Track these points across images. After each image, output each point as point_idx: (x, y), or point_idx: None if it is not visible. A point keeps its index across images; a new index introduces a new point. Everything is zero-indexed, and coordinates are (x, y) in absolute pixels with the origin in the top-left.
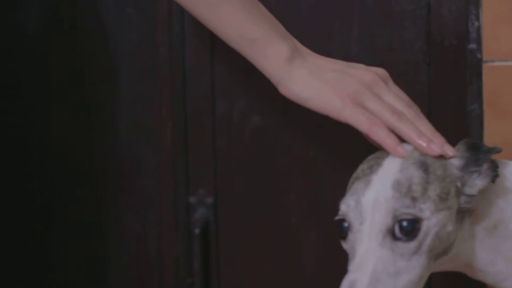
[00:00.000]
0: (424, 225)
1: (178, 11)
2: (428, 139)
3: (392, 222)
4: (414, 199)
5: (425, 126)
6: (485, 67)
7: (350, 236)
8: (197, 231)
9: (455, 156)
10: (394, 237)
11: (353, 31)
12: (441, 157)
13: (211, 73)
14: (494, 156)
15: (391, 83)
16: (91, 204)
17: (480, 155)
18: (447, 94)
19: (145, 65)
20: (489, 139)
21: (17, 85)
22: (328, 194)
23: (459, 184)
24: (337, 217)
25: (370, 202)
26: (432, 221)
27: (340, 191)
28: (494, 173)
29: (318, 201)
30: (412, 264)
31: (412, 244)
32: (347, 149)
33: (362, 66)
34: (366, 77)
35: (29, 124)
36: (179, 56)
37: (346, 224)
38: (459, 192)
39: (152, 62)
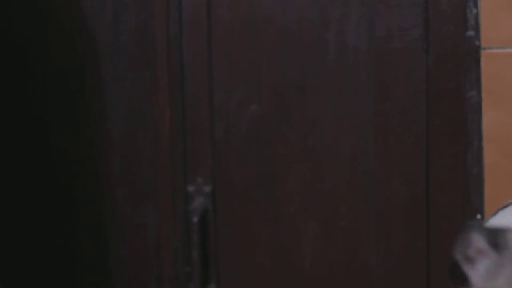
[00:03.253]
0: None
1: (175, 0)
2: None
3: None
4: None
5: None
6: (484, 54)
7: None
8: (195, 220)
9: None
10: None
11: (351, 19)
12: None
13: (209, 62)
14: None
15: None
16: (89, 194)
17: None
18: (445, 81)
19: (142, 54)
20: (487, 126)
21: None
22: (326, 182)
23: None
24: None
25: None
26: None
27: (338, 180)
28: None
29: (317, 190)
30: None
31: None
32: (345, 137)
33: None
34: None
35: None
36: (177, 45)
37: None
38: None
39: (149, 51)
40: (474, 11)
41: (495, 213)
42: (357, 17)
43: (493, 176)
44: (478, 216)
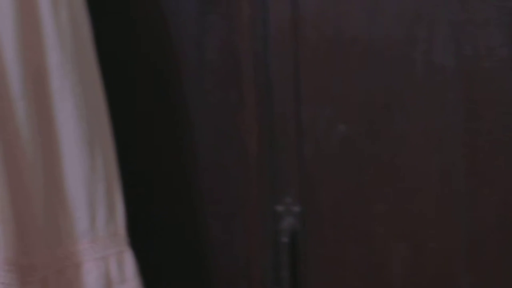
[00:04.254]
0: None
1: (260, 17)
2: None
3: None
4: None
5: None
6: None
7: None
8: (285, 240)
9: None
10: None
11: (438, 38)
12: None
13: (296, 80)
14: None
15: None
16: (178, 212)
17: None
18: None
19: (228, 72)
20: None
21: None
22: (415, 202)
23: None
24: None
25: None
26: None
27: (428, 200)
28: None
29: (406, 210)
30: None
31: None
32: (434, 156)
33: None
34: None
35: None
36: (263, 62)
37: None
38: None
39: (235, 69)
40: None
41: None
42: (443, 36)
43: None
44: None
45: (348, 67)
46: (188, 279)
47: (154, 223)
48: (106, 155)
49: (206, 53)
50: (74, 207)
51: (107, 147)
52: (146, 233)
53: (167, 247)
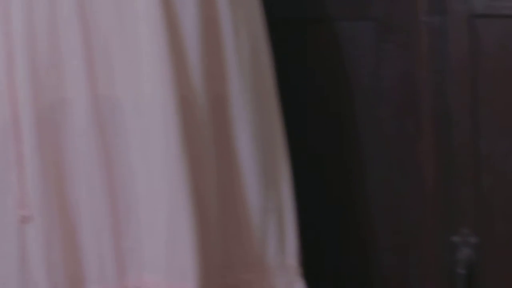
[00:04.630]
0: None
1: (439, 47)
2: None
3: None
4: None
5: None
6: None
7: None
8: (461, 271)
9: None
10: None
11: None
12: None
13: (474, 110)
14: None
15: None
16: (350, 244)
17: None
18: None
19: (405, 101)
20: None
21: None
22: None
23: None
24: None
25: None
26: None
27: None
28: None
29: None
30: None
31: None
32: None
33: None
34: None
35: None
36: (441, 92)
37: None
38: None
39: (412, 98)
40: None
41: None
42: None
43: None
44: None
45: None
46: None
47: (327, 255)
48: (280, 185)
49: (382, 83)
50: (247, 236)
51: (282, 178)
52: (318, 265)
53: (340, 280)
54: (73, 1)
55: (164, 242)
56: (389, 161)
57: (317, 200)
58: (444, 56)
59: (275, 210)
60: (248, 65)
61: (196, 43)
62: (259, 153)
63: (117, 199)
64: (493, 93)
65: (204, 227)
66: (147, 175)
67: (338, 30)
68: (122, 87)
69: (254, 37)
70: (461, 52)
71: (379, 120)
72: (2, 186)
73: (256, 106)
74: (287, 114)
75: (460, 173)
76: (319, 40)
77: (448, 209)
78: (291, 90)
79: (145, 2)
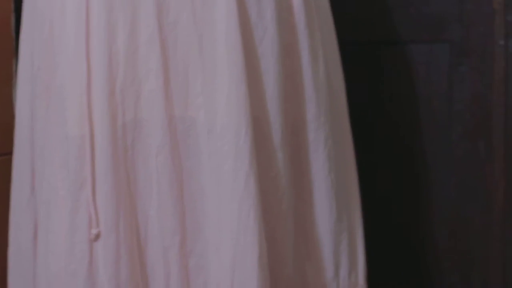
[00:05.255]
0: None
1: None
2: None
3: None
4: None
5: None
6: None
7: None
8: None
9: None
10: None
11: None
12: None
13: None
14: None
15: None
16: (414, 265)
17: None
18: None
19: (477, 124)
20: None
21: None
22: None
23: None
24: None
25: None
26: None
27: None
28: None
29: None
30: None
31: None
32: None
33: None
34: None
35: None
36: None
37: None
38: None
39: (484, 120)
40: None
41: None
42: None
43: None
44: None
45: None
46: None
47: (391, 276)
48: (351, 206)
49: (454, 105)
50: (320, 257)
51: (353, 198)
52: (384, 283)
53: None
54: (154, 23)
55: (230, 263)
56: (458, 183)
57: (384, 220)
58: None
59: (347, 231)
60: (323, 89)
61: (273, 66)
62: (333, 175)
63: (185, 218)
64: None
65: (274, 249)
66: (217, 195)
67: (412, 52)
68: (199, 108)
69: (329, 61)
70: None
71: (450, 143)
72: (74, 205)
73: (330, 129)
74: (356, 133)
75: None
76: (392, 62)
77: None
78: (363, 112)
79: (226, 27)
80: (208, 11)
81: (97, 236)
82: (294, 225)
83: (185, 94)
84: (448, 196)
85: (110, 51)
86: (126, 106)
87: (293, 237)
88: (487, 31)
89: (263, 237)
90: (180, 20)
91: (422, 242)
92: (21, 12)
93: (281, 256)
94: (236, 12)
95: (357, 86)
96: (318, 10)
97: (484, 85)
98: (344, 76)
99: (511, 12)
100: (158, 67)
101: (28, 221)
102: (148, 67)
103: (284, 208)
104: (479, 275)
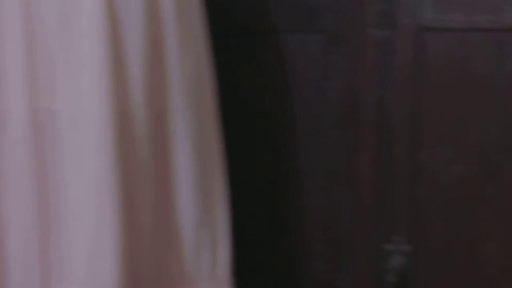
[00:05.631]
0: None
1: (385, 59)
2: None
3: None
4: None
5: None
6: None
7: None
8: (393, 279)
9: None
10: None
11: None
12: None
13: (415, 122)
14: None
15: None
16: (284, 250)
17: None
18: None
19: (348, 112)
20: None
21: None
22: None
23: None
24: None
25: None
26: None
27: None
28: None
29: None
30: None
31: None
32: None
33: None
34: None
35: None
36: (383, 104)
37: None
38: None
39: (355, 109)
40: None
41: None
42: None
43: None
44: None
45: (469, 108)
46: None
47: (261, 262)
48: (216, 200)
49: (327, 93)
50: (181, 249)
51: (218, 193)
52: (251, 274)
53: (271, 285)
54: (17, 14)
55: (87, 254)
56: (329, 170)
57: (254, 206)
58: (389, 69)
59: (210, 224)
60: (190, 83)
61: (140, 59)
62: (197, 169)
63: (48, 212)
64: (435, 104)
65: (135, 241)
66: (79, 188)
67: (287, 42)
68: (63, 100)
69: (197, 55)
70: (407, 64)
71: (322, 131)
72: None
73: (196, 123)
74: (230, 122)
75: (397, 183)
76: (267, 52)
77: (382, 217)
78: (236, 101)
79: (91, 18)
80: (76, 5)
81: None
82: (157, 218)
83: (51, 87)
84: (320, 182)
85: None
86: None
87: (156, 229)
88: (359, 20)
89: (123, 230)
90: (47, 13)
91: (293, 230)
92: None
93: (143, 249)
94: (103, 5)
95: (233, 77)
96: (186, 2)
97: (355, 74)
98: (220, 67)
99: (383, 2)
100: (22, 59)
101: None
102: (12, 59)
103: (147, 201)
104: (348, 263)
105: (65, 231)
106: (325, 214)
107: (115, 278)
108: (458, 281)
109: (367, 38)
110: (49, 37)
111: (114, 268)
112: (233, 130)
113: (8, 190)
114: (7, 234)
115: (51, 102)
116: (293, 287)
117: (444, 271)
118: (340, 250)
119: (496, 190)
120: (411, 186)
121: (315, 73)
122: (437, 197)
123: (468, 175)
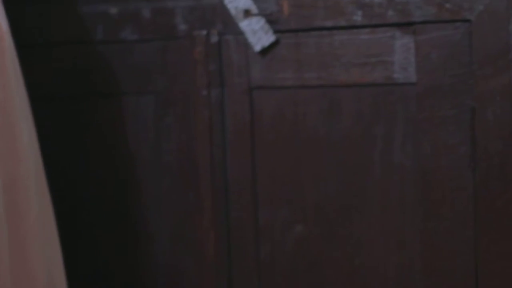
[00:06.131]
0: None
1: (218, 120)
2: None
3: None
4: None
5: None
6: None
7: None
8: None
9: None
10: None
11: (396, 137)
12: None
13: (253, 183)
14: None
15: None
16: None
17: None
18: (493, 199)
19: (185, 175)
20: None
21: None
22: None
23: None
24: None
25: None
26: None
27: None
28: None
29: None
30: None
31: None
32: (391, 257)
33: None
34: None
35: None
36: (220, 165)
37: None
38: None
39: (192, 172)
40: None
41: None
42: (402, 135)
43: None
44: None
45: (306, 167)
46: None
47: None
48: (53, 259)
49: (163, 156)
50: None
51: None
52: None
53: None
54: None
55: None
56: (173, 235)
57: (100, 273)
58: (223, 129)
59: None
60: (33, 146)
61: None
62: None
63: None
64: (271, 163)
65: None
66: None
67: (121, 104)
68: None
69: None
70: (240, 124)
71: (161, 195)
72: None
73: (38, 188)
74: (64, 191)
75: (240, 245)
76: (102, 115)
77: (228, 281)
78: (70, 169)
79: None
80: None
81: None
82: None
83: None
84: (164, 248)
85: None
86: None
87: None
88: (189, 81)
89: None
90: None
91: None
92: None
93: None
94: None
95: (65, 141)
96: (16, 68)
97: (190, 135)
98: (52, 131)
99: (212, 62)
100: None
101: None
102: None
103: None
104: None
105: None
106: (171, 273)
107: None
108: None
109: (199, 99)
110: None
111: None
112: (67, 199)
113: None
114: None
115: None
116: None
117: None
118: None
119: (337, 249)
120: (254, 246)
121: (150, 136)
122: (280, 258)
123: (308, 234)
